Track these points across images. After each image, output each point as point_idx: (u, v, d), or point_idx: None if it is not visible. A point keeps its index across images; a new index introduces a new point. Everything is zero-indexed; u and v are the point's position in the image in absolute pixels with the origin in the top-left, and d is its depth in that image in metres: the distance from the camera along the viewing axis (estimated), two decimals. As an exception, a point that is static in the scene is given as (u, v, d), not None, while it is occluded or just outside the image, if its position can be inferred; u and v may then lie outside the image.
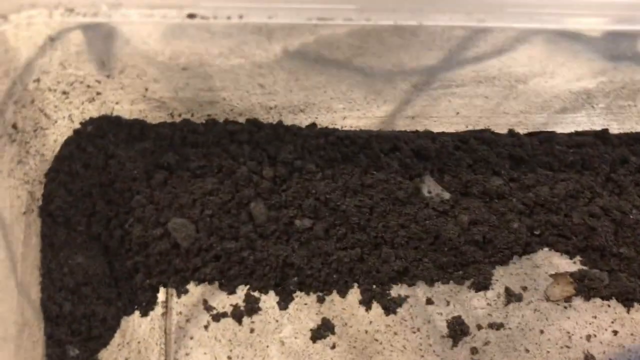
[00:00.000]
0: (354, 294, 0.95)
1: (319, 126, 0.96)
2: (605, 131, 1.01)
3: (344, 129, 0.96)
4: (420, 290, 0.96)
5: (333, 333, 0.92)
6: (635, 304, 0.97)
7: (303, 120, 0.93)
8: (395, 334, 0.93)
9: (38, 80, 0.79)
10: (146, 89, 0.84)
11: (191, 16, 0.73)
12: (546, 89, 0.89)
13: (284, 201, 0.94)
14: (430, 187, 0.97)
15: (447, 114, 0.93)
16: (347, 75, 0.86)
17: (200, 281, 0.93)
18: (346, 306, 0.94)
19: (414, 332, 0.93)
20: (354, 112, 0.91)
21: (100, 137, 0.91)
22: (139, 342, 0.90)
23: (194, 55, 0.79)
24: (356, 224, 0.94)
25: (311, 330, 0.92)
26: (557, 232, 0.97)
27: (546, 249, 0.99)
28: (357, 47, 0.81)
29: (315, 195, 0.94)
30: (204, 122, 0.93)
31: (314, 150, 0.95)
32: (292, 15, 0.74)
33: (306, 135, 0.95)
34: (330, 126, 0.95)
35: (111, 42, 0.76)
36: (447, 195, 0.96)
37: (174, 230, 0.92)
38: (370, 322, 0.94)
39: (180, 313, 0.92)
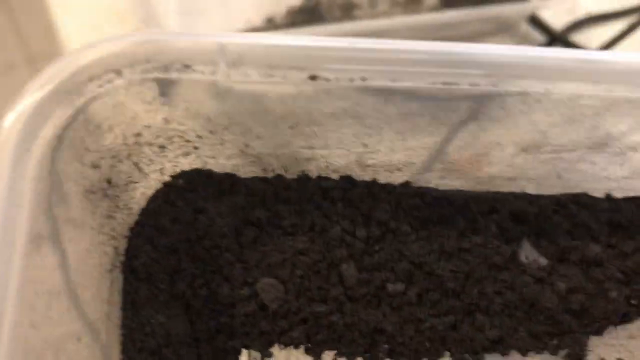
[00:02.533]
0: (445, 363, 0.90)
1: (413, 184, 0.92)
2: None
3: (440, 188, 0.92)
4: (514, 360, 0.91)
5: (423, 403, 0.87)
6: None
7: (398, 179, 0.88)
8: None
9: (139, 135, 0.74)
10: (246, 145, 0.80)
11: (313, 78, 0.68)
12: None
13: (376, 263, 0.89)
14: (527, 253, 0.92)
15: (549, 176, 0.89)
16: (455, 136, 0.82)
17: (285, 345, 0.88)
18: (438, 376, 0.89)
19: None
20: (453, 172, 0.87)
21: (190, 190, 0.86)
22: (221, 409, 0.85)
23: (305, 115, 0.75)
24: (451, 290, 0.89)
25: (401, 400, 0.87)
26: (655, 302, 0.93)
27: (641, 319, 0.94)
28: (474, 109, 0.77)
29: (409, 258, 0.90)
30: (296, 177, 0.89)
31: (409, 210, 0.90)
32: (416, 78, 0.70)
33: (400, 194, 0.91)
34: (425, 185, 0.90)
35: (223, 99, 0.71)
36: (544, 262, 0.92)
37: (262, 291, 0.87)
38: (463, 395, 0.89)
39: (263, 377, 0.87)
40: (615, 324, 0.95)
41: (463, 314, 0.91)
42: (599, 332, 0.94)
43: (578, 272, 0.93)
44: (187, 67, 0.69)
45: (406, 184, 0.94)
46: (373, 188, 0.93)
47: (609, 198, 0.97)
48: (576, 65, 0.73)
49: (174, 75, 0.70)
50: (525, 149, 0.84)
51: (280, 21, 1.10)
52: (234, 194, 0.90)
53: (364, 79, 0.71)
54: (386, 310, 0.90)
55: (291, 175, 0.89)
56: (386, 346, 0.89)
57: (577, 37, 1.37)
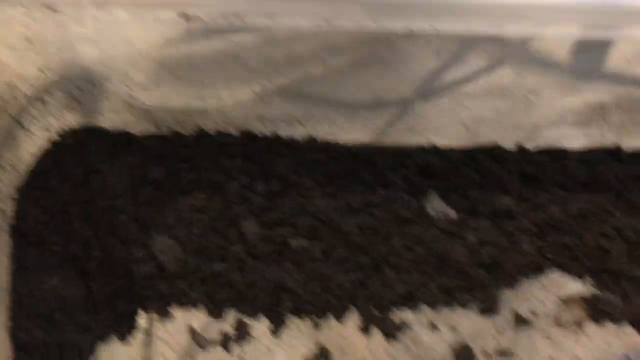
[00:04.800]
0: (353, 319, 0.88)
1: (317, 139, 0.89)
2: (618, 148, 0.95)
3: (345, 143, 0.89)
4: (424, 316, 0.89)
5: (330, 361, 0.84)
6: (654, 329, 0.91)
7: (301, 133, 0.86)
8: (397, 362, 0.86)
9: (13, 86, 0.71)
10: (132, 97, 0.76)
11: (184, 17, 0.65)
12: (561, 101, 0.83)
13: (277, 219, 0.87)
14: (436, 207, 0.90)
15: (454, 127, 0.87)
16: (352, 83, 0.79)
17: (185, 306, 0.85)
18: (344, 332, 0.88)
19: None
20: (355, 124, 0.84)
21: (80, 149, 0.82)
22: (117, 372, 0.82)
23: (185, 59, 0.71)
24: (358, 245, 0.87)
25: (306, 358, 0.85)
26: (569, 254, 0.91)
27: (557, 271, 0.92)
28: (364, 54, 0.74)
29: (313, 214, 0.87)
30: (194, 134, 0.85)
31: (312, 165, 0.87)
32: (295, 15, 0.67)
33: (303, 149, 0.88)
34: (331, 140, 0.87)
35: (97, 45, 0.67)
36: (453, 214, 0.90)
37: (160, 252, 0.84)
38: (370, 349, 0.87)
39: (163, 340, 0.84)
40: (528, 277, 0.92)
41: (371, 270, 0.89)
42: (511, 284, 0.92)
43: (489, 225, 0.91)
44: (54, 11, 0.65)
45: (310, 139, 0.91)
46: (273, 143, 0.89)
47: (520, 149, 0.95)
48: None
49: (37, 15, 0.66)
50: (423, 96, 0.81)
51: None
52: (129, 152, 0.86)
53: (238, 16, 0.67)
54: (289, 267, 0.87)
55: (188, 132, 0.86)
56: (290, 303, 0.86)
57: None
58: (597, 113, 0.90)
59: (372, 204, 0.89)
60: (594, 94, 0.88)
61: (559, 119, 0.89)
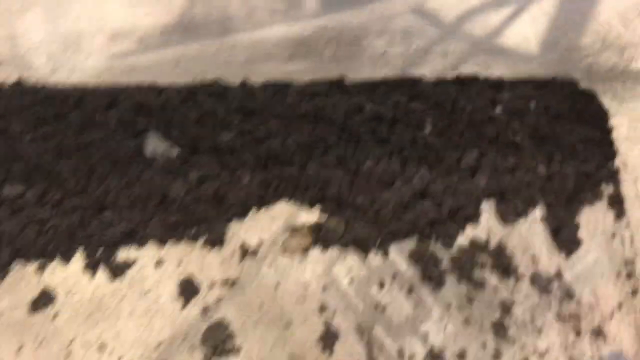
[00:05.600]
0: (78, 260, 0.90)
1: (24, 82, 0.87)
2: (340, 80, 0.98)
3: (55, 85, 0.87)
4: (150, 252, 0.92)
5: (54, 302, 0.86)
6: (372, 251, 0.97)
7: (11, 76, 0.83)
8: (123, 298, 0.89)
9: None
10: None
11: None
12: (265, 38, 0.83)
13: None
14: (155, 145, 0.91)
15: (167, 67, 0.87)
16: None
17: None
18: (69, 273, 0.90)
19: (143, 296, 0.90)
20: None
21: None
22: None
23: None
24: (73, 188, 0.87)
25: (31, 300, 0.86)
26: (294, 184, 0.95)
27: (284, 201, 0.96)
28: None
29: (25, 159, 0.87)
30: None
31: (20, 109, 0.86)
32: None
33: (11, 93, 0.86)
34: (38, 83, 0.86)
35: None
36: (174, 152, 0.91)
37: None
38: (96, 288, 0.89)
39: None
40: (257, 208, 0.96)
41: (91, 211, 0.90)
42: (239, 216, 0.95)
43: (211, 160, 0.93)
44: None
45: (17, 83, 0.89)
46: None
47: (242, 85, 0.96)
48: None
49: None
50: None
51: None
52: None
53: None
54: (4, 214, 0.87)
55: None
56: (8, 249, 0.87)
57: None
58: (310, 47, 0.91)
59: (84, 145, 0.88)
60: (302, 29, 0.89)
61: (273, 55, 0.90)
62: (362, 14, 0.81)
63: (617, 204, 1.08)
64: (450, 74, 1.06)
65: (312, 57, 0.88)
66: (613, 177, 1.10)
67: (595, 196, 1.10)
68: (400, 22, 0.86)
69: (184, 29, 0.76)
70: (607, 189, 1.11)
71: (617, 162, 1.13)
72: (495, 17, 0.91)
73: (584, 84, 1.15)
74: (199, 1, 0.82)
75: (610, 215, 1.10)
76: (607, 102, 1.15)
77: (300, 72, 0.92)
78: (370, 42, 0.87)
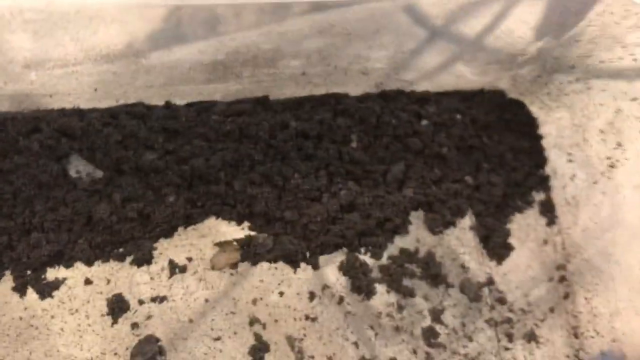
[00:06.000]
0: (7, 282, 0.92)
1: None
2: (265, 97, 1.01)
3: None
4: (79, 272, 0.94)
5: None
6: (302, 265, 1.00)
7: None
8: (53, 317, 0.92)
9: None
10: None
11: None
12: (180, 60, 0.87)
13: None
14: (79, 168, 0.94)
15: (88, 90, 0.90)
16: None
17: None
18: (-2, 294, 0.92)
19: (72, 314, 0.92)
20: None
21: None
22: None
23: None
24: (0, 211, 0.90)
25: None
26: (221, 201, 0.98)
27: (212, 218, 0.99)
28: None
29: (-52, 185, 0.89)
30: None
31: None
32: None
33: None
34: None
35: None
36: (99, 174, 0.94)
37: None
38: (25, 308, 0.92)
39: None
40: (184, 226, 0.98)
41: (18, 233, 0.92)
42: (166, 235, 0.98)
43: (135, 181, 0.96)
44: None
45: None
46: None
47: (167, 106, 0.99)
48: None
49: None
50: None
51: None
52: None
53: None
54: None
55: None
56: None
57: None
58: (225, 69, 0.94)
59: (7, 171, 0.91)
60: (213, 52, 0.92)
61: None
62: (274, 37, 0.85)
63: (548, 211, 1.11)
64: (374, 90, 1.09)
65: (231, 79, 0.91)
66: (543, 184, 1.13)
67: (526, 203, 1.12)
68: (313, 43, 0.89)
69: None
70: (538, 196, 1.14)
71: (547, 169, 1.16)
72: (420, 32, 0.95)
73: (511, 95, 1.18)
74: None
75: (542, 221, 1.13)
76: (535, 110, 1.18)
77: (221, 93, 0.95)
78: (287, 64, 0.90)
